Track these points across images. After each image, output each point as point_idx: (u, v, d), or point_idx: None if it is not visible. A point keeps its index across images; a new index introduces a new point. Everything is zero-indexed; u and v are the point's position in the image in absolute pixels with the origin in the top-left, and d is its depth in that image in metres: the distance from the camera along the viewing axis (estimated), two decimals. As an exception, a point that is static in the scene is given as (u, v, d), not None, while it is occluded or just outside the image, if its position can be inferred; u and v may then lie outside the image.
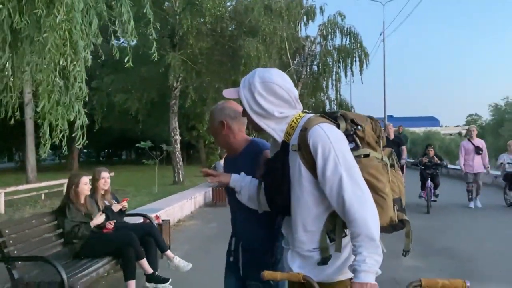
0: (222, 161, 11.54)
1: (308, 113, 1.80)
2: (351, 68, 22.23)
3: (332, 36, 22.24)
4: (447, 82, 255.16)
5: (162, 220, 6.16)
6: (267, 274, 1.69)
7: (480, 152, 9.62)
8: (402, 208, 1.78)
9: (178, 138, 15.62)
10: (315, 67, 23.11)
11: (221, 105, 2.30)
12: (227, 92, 1.89)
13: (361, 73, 22.20)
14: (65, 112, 4.36)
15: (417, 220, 7.71)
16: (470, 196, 9.74)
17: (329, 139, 1.62)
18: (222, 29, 14.83)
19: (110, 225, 4.39)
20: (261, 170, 1.99)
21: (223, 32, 14.99)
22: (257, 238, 2.23)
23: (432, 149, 9.79)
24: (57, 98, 4.28)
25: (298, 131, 1.69)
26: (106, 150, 53.21)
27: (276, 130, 1.77)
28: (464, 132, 69.64)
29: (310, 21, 22.78)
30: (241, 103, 1.86)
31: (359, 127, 1.75)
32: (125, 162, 43.09)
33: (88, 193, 4.47)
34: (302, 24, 22.58)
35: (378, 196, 1.65)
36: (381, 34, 26.23)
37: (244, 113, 1.86)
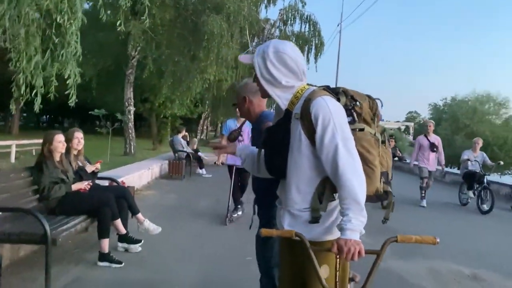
0: (180, 135, 11.66)
1: (313, 86, 1.98)
2: (307, 55, 22.70)
3: (292, 21, 22.54)
4: (393, 78, 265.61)
5: (128, 186, 6.20)
6: (264, 231, 1.90)
7: (435, 149, 8.97)
8: (388, 181, 2.00)
9: (132, 109, 15.35)
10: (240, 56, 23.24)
11: (244, 82, 2.88)
12: (243, 57, 2.08)
13: (316, 61, 22.76)
14: (61, 69, 4.28)
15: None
16: (423, 194, 9.04)
17: (330, 111, 1.79)
18: (187, 2, 14.64)
19: (88, 185, 4.42)
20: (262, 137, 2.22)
21: (187, 6, 14.78)
22: (265, 202, 2.76)
23: (393, 140, 9.85)
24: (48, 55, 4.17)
25: (302, 101, 1.87)
26: (47, 116, 50.69)
27: (281, 98, 1.95)
28: (403, 127, 73.20)
29: (271, 4, 22.97)
30: (253, 69, 2.02)
31: (358, 103, 1.96)
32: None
33: (63, 151, 4.45)
34: (264, 7, 22.74)
35: (368, 167, 1.86)
36: (338, 25, 26.81)
37: (255, 78, 2.03)
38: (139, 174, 8.85)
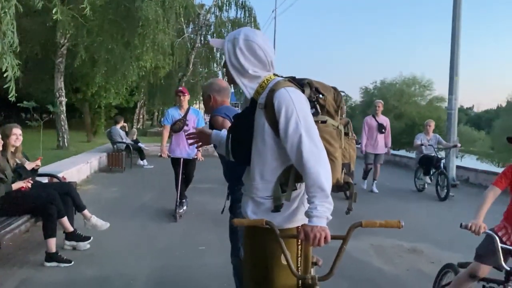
0: (118, 126, 11.27)
1: (279, 76, 2.01)
2: (243, 41, 22.68)
3: (228, 7, 22.41)
4: (327, 63, 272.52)
5: (69, 182, 5.93)
6: (236, 221, 1.93)
7: (383, 130, 8.58)
8: (350, 173, 2.08)
9: (63, 100, 14.60)
10: (209, 37, 23.09)
11: (210, 81, 3.08)
12: (214, 41, 2.10)
13: (252, 48, 22.81)
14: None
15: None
16: (365, 176, 8.87)
17: (293, 102, 1.81)
18: (118, -14, 14.03)
19: (29, 183, 4.18)
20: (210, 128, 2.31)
21: (119, -10, 14.18)
22: (232, 187, 2.95)
23: None
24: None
25: (267, 91, 1.90)
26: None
27: (247, 87, 1.95)
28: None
29: (205, -11, 22.69)
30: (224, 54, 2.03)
31: (321, 95, 1.99)
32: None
33: (0, 148, 4.17)
34: (197, -9, 22.36)
35: (329, 159, 1.89)
36: (273, 11, 27.01)
37: (225, 64, 2.03)
38: (77, 169, 8.49)
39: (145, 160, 11.57)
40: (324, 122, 1.94)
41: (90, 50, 14.43)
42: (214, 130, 2.32)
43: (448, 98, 9.86)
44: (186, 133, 5.99)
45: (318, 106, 1.96)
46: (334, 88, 2.07)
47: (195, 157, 6.22)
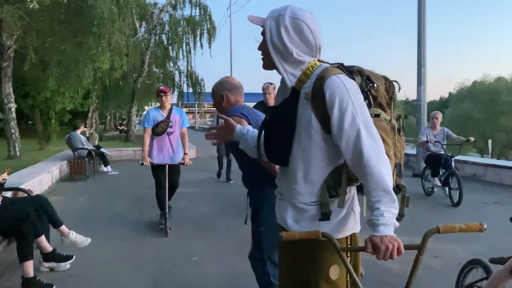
0: (78, 132, 10.56)
1: (325, 62, 1.74)
2: (200, 40, 22.29)
3: (182, 5, 21.93)
4: None
5: (40, 195, 5.37)
6: (285, 234, 1.64)
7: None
8: (400, 174, 1.84)
9: (13, 106, 13.57)
10: (164, 37, 22.47)
11: (221, 80, 2.75)
12: (253, 18, 1.76)
13: (209, 46, 22.50)
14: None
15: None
16: None
17: (347, 91, 1.56)
18: (68, -16, 13.22)
19: (-1, 199, 3.66)
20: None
21: (70, -12, 13.36)
22: (250, 184, 2.75)
23: None
24: None
25: (313, 80, 1.63)
26: None
27: (289, 73, 1.68)
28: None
29: (158, -12, 22.01)
30: (263, 33, 1.75)
31: (375, 85, 1.73)
32: None
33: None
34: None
35: None
36: (228, 9, 26.67)
37: (262, 46, 1.75)
38: (39, 179, 7.81)
39: (109, 166, 10.94)
40: (377, 115, 1.70)
41: (40, 52, 13.53)
42: (239, 125, 2.01)
43: (417, 89, 9.92)
44: (170, 135, 5.55)
45: (370, 97, 1.71)
46: (385, 77, 1.82)
47: (182, 161, 5.65)
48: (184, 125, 5.71)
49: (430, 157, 7.48)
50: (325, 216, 1.65)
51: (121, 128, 28.86)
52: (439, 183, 7.42)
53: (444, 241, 4.95)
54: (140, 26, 21.49)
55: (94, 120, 28.39)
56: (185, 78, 23.50)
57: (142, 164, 5.52)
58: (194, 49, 22.43)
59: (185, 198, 7.48)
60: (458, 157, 7.91)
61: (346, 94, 1.56)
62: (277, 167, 2.49)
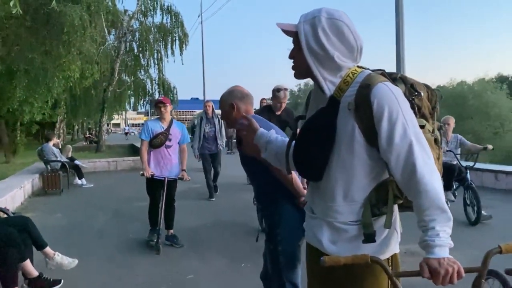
0: (50, 143, 10.09)
1: (365, 68, 1.60)
2: (171, 47, 21.95)
3: (153, 13, 21.51)
4: (256, 66, 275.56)
5: (13, 213, 5.01)
6: (328, 259, 1.48)
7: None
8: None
9: (-23, 118, 12.93)
10: (134, 44, 22.01)
11: (230, 89, 2.60)
12: (283, 24, 1.60)
13: (181, 54, 22.17)
14: None
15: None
16: None
17: (397, 100, 1.44)
18: (36, -10, 12.72)
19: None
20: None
21: (37, -6, 12.85)
22: (262, 196, 2.60)
23: None
24: None
25: (356, 88, 1.49)
26: None
27: (327, 80, 1.53)
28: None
29: (127, -6, 21.59)
30: (294, 40, 1.59)
31: (419, 94, 1.62)
32: None
33: None
34: (119, -3, 21.23)
35: None
36: (199, 16, 26.46)
37: (294, 54, 1.60)
38: (11, 195, 7.36)
39: (83, 179, 10.48)
40: (422, 127, 1.57)
41: (6, 61, 12.93)
42: (261, 130, 1.86)
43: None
44: (168, 148, 5.23)
45: (415, 108, 1.59)
46: (426, 85, 1.70)
47: (181, 177, 5.26)
48: (184, 141, 5.43)
49: (443, 168, 6.24)
50: (369, 237, 1.51)
51: (90, 138, 28.06)
52: (452, 198, 6.62)
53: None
54: (110, 34, 20.98)
55: (62, 131, 27.47)
56: (157, 86, 23.06)
57: (142, 174, 5.12)
58: (166, 57, 22.08)
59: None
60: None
61: (396, 104, 1.44)
62: (296, 180, 2.34)
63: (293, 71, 1.64)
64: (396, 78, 1.62)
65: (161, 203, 5.21)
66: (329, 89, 1.53)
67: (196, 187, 9.26)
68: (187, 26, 22.46)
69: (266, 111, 5.07)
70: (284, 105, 5.04)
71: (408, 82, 1.62)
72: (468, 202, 6.33)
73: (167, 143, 5.20)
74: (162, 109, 5.17)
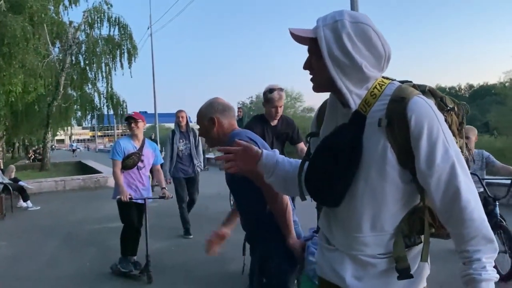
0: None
1: (393, 80, 1.42)
2: (120, 60, 21.27)
3: (100, 24, 20.76)
4: (206, 79, 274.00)
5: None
6: None
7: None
8: None
9: None
10: (81, 57, 21.11)
11: (208, 101, 2.29)
12: (296, 30, 1.37)
13: (130, 66, 21.55)
14: None
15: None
16: None
17: (436, 115, 1.29)
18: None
19: None
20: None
21: (-27, 4, 12.01)
22: (249, 228, 2.30)
23: None
24: None
25: (385, 102, 1.32)
26: None
27: (353, 93, 1.34)
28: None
29: (73, 5, 20.76)
30: (311, 48, 1.38)
31: (454, 108, 1.49)
32: None
33: None
34: (63, 8, 20.34)
35: None
36: (148, 28, 25.92)
37: (312, 63, 1.39)
38: None
39: (29, 201, 9.70)
40: None
41: None
42: (265, 151, 1.60)
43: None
44: (140, 170, 4.78)
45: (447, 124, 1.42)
46: (452, 99, 1.54)
47: (163, 195, 4.71)
48: (158, 162, 5.04)
49: None
50: (404, 273, 1.33)
51: (33, 156, 26.55)
52: None
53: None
54: (54, 46, 20.02)
55: (1, 149, 25.76)
56: (105, 100, 22.20)
57: (119, 199, 4.53)
58: (114, 70, 21.34)
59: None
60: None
61: (436, 120, 1.28)
62: (290, 213, 2.10)
63: (312, 84, 1.43)
64: (425, 91, 1.46)
65: (142, 228, 4.79)
66: (355, 102, 1.34)
67: (167, 222, 7.48)
68: (136, 39, 21.87)
69: (259, 122, 4.19)
70: (281, 111, 4.09)
71: (438, 96, 1.47)
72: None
73: (139, 164, 4.76)
74: (133, 125, 4.70)
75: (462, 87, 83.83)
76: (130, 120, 4.72)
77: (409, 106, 1.28)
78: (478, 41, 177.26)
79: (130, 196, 4.52)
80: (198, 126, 2.36)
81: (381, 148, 1.30)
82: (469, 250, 1.25)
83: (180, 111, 6.62)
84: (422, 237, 1.37)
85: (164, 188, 4.84)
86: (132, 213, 4.75)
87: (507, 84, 29.66)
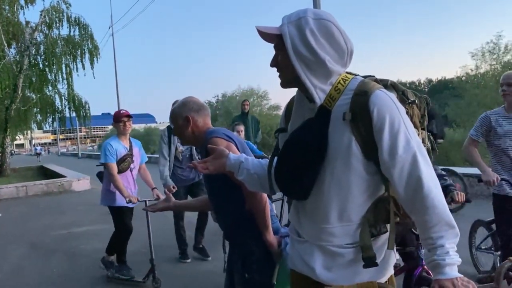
0: None
1: (356, 75, 1.48)
2: (81, 61, 20.72)
3: (58, 24, 20.13)
4: (169, 78, 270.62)
5: None
6: None
7: None
8: None
9: None
10: (39, 58, 20.41)
11: (183, 100, 2.29)
12: (263, 27, 1.42)
13: (92, 67, 21.00)
14: None
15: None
16: None
17: (397, 108, 1.34)
18: None
19: None
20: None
21: None
22: (227, 225, 2.26)
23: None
24: None
25: (349, 96, 1.36)
26: None
27: (317, 88, 1.38)
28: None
29: (29, 5, 20.08)
30: (277, 45, 1.42)
31: (415, 101, 1.56)
32: None
33: None
34: (19, 8, 19.64)
35: None
36: (109, 28, 25.38)
37: (278, 60, 1.43)
38: None
39: (-11, 209, 9.35)
40: None
41: None
42: (231, 153, 1.68)
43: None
44: (132, 171, 4.55)
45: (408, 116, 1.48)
46: (414, 93, 1.62)
47: (156, 197, 4.41)
48: (143, 160, 4.79)
49: (501, 206, 3.42)
50: (370, 261, 1.37)
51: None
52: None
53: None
54: (10, 47, 19.29)
55: None
56: (67, 102, 21.55)
57: (129, 202, 4.23)
58: (76, 71, 20.74)
59: (99, 238, 6.59)
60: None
61: (397, 113, 1.33)
62: (268, 212, 2.11)
63: (280, 80, 1.47)
64: (387, 85, 1.53)
65: (144, 231, 4.54)
66: (319, 97, 1.38)
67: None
68: (97, 39, 21.35)
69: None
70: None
71: (400, 89, 1.54)
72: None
73: (131, 165, 4.52)
74: (127, 123, 4.42)
75: (422, 81, 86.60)
76: (124, 118, 4.40)
77: (371, 99, 1.33)
78: (436, 38, 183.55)
79: (138, 198, 4.28)
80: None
81: (346, 141, 1.34)
82: (433, 237, 1.31)
83: None
84: (388, 226, 1.42)
85: (155, 188, 4.57)
86: (127, 217, 4.52)
87: (463, 79, 30.75)
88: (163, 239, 5.71)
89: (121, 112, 4.46)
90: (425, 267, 2.78)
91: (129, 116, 4.42)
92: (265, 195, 2.05)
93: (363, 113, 1.32)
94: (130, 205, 4.40)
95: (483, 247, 4.05)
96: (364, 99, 1.33)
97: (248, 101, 8.10)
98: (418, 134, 1.54)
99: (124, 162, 4.41)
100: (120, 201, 4.37)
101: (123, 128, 4.40)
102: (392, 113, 1.32)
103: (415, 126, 1.54)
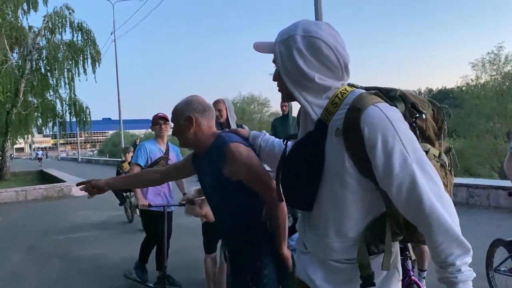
0: None
1: (357, 87, 1.43)
2: (83, 66, 20.83)
3: (61, 30, 20.25)
4: (171, 84, 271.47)
5: None
6: None
7: None
8: None
9: None
10: (41, 63, 20.50)
11: (187, 99, 2.10)
12: (258, 45, 1.44)
13: (94, 72, 21.11)
14: None
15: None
16: None
17: (392, 124, 1.25)
18: None
19: None
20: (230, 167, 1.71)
21: None
22: (237, 236, 2.14)
23: None
24: None
25: (344, 110, 1.32)
26: None
27: (312, 104, 1.37)
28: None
29: (32, 10, 20.19)
30: (274, 61, 1.44)
31: (422, 115, 1.41)
32: None
33: None
34: (22, 13, 19.76)
35: None
36: (112, 33, 25.49)
37: (276, 76, 1.45)
38: None
39: (-12, 213, 9.35)
40: (425, 152, 1.37)
41: None
42: (253, 131, 1.88)
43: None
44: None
45: (417, 131, 1.39)
46: (431, 102, 1.49)
47: (183, 202, 3.95)
48: None
49: None
50: (367, 280, 1.33)
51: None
52: None
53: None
54: (13, 52, 19.38)
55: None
56: (68, 107, 21.61)
57: (137, 206, 4.15)
58: (78, 76, 20.84)
59: (98, 243, 6.57)
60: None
61: (391, 128, 1.24)
62: (286, 220, 2.05)
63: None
64: (395, 96, 1.42)
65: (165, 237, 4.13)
66: (315, 113, 1.36)
67: (116, 215, 8.52)
68: (100, 44, 21.43)
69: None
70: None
71: (409, 101, 1.41)
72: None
73: None
74: (163, 126, 4.28)
75: (422, 91, 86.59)
76: (161, 120, 4.25)
77: (362, 117, 1.27)
78: (436, 48, 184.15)
79: (150, 204, 4.12)
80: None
81: (339, 157, 1.31)
82: (442, 256, 1.25)
83: None
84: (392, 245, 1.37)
85: (186, 193, 4.19)
86: (158, 222, 4.20)
87: (464, 88, 30.82)
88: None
89: (158, 114, 4.34)
90: (412, 278, 2.76)
91: (165, 119, 4.29)
92: (285, 207, 1.96)
93: (355, 130, 1.27)
94: (159, 208, 4.12)
95: (502, 269, 3.67)
96: (356, 116, 1.28)
97: (286, 103, 7.67)
98: (434, 149, 1.45)
99: (157, 165, 4.25)
100: (155, 202, 4.19)
101: (159, 130, 4.30)
102: (385, 131, 1.25)
103: (430, 140, 1.45)
